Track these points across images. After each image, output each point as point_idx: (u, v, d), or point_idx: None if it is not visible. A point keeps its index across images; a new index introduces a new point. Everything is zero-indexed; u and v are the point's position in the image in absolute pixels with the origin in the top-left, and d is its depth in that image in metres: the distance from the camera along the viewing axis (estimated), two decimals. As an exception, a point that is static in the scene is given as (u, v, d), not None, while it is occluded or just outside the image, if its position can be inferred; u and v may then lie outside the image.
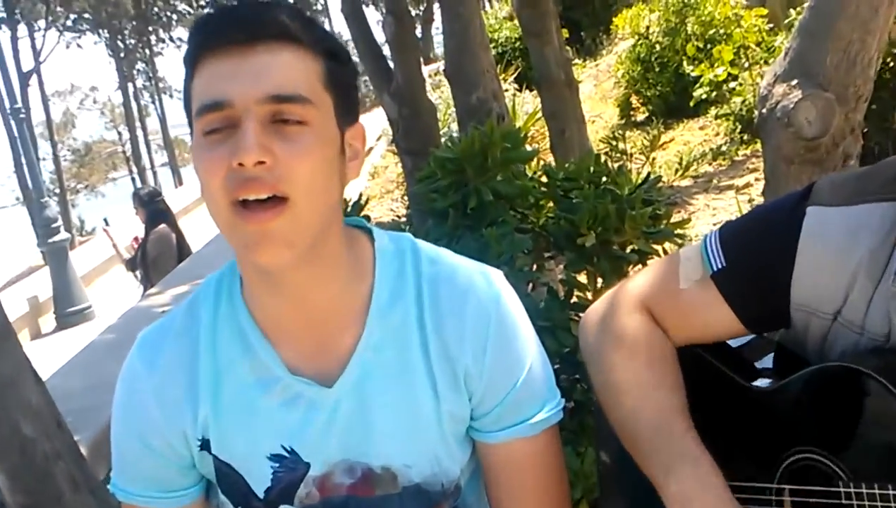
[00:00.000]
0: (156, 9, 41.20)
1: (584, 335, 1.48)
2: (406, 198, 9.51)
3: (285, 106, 1.17)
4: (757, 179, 7.91)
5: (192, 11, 41.15)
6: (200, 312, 1.36)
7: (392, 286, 1.35)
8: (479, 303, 1.35)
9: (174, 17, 42.40)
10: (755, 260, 1.31)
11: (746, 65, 9.53)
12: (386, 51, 7.70)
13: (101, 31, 39.68)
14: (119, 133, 50.35)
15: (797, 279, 1.27)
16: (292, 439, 1.33)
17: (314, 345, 1.33)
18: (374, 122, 16.32)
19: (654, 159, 9.07)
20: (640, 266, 2.93)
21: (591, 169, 3.03)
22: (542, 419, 1.40)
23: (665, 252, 2.92)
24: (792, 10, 8.45)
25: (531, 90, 13.14)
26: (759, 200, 7.18)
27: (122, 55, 40.74)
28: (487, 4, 23.90)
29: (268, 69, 1.17)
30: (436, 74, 17.10)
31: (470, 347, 1.34)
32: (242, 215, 1.17)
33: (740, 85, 9.47)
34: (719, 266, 1.35)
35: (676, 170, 8.91)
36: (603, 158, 3.19)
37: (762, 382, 1.38)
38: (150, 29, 41.88)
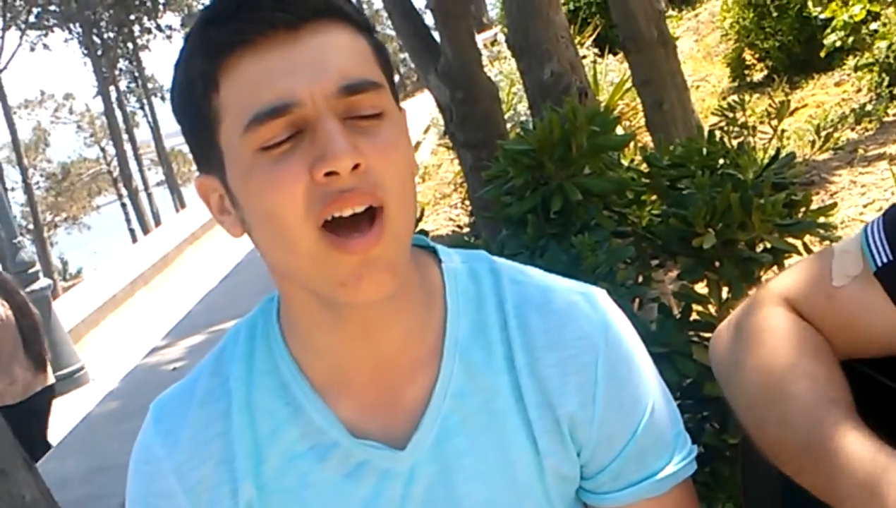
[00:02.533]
0: (137, -9, 41.82)
1: (715, 352, 1.46)
2: (468, 203, 9.52)
3: (358, 97, 1.17)
4: (916, 144, 7.82)
5: (182, -9, 41.77)
6: (230, 370, 1.36)
7: (470, 316, 1.36)
8: (581, 333, 1.35)
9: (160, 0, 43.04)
10: None
11: (890, -1, 9.43)
12: (429, 19, 7.74)
13: (71, 25, 40.45)
14: (102, 149, 51.29)
15: None
16: None
17: (380, 398, 1.33)
18: (420, 110, 16.42)
19: (783, 131, 8.97)
20: (775, 268, 2.91)
21: (704, 149, 3.01)
22: (672, 472, 1.38)
23: (806, 248, 2.90)
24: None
25: (615, 54, 13.13)
26: (921, 171, 7.09)
27: (99, 53, 41.44)
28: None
29: (330, 55, 1.17)
30: (493, 44, 17.19)
31: (575, 389, 1.34)
32: (338, 244, 1.16)
33: (884, 25, 9.34)
34: (885, 260, 1.33)
35: (812, 142, 8.82)
36: (717, 134, 3.18)
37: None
38: (132, 17, 42.60)
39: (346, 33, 1.20)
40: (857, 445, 1.22)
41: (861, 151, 8.23)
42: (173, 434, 1.35)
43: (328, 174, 1.13)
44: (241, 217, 1.24)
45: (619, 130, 3.18)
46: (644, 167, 3.09)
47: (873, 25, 9.51)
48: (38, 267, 11.98)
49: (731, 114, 8.88)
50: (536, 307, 1.36)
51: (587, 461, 1.37)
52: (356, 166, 1.14)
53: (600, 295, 1.41)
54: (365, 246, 1.16)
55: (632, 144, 6.58)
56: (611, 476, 1.38)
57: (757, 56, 12.03)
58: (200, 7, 42.34)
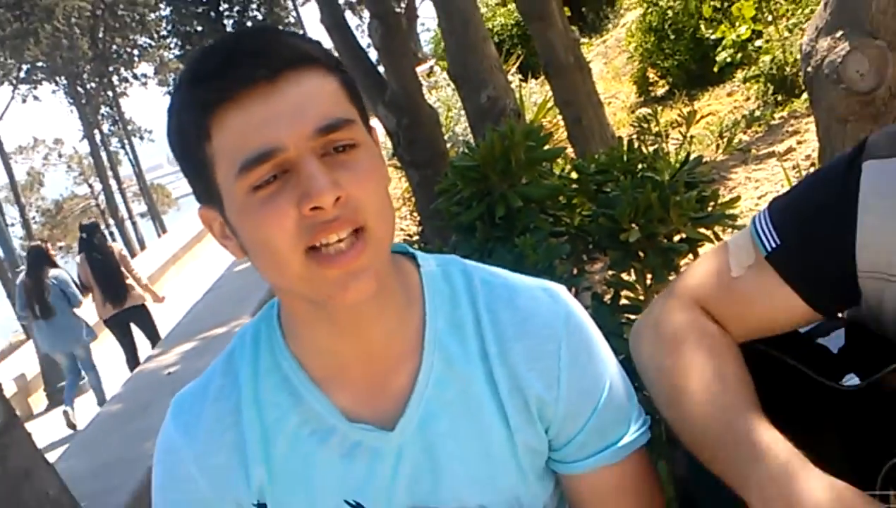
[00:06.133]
0: (114, 46, 41.45)
1: (635, 346, 1.48)
2: (416, 214, 9.52)
3: (334, 135, 1.17)
4: (799, 142, 7.88)
5: (153, 44, 41.43)
6: (239, 369, 1.38)
7: (446, 313, 1.37)
8: (545, 324, 1.36)
9: (135, 52, 42.73)
10: (811, 230, 1.30)
11: (771, 18, 9.51)
12: (374, 55, 7.74)
13: (57, 78, 39.97)
14: (90, 185, 50.69)
15: (862, 242, 1.25)
16: (356, 493, 1.34)
17: (370, 386, 1.34)
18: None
19: (691, 137, 9.05)
20: (690, 256, 2.94)
21: (625, 156, 3.04)
22: (630, 441, 1.40)
23: (717, 237, 2.93)
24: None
25: (536, 78, 13.17)
26: (804, 165, 7.17)
27: (83, 101, 40.99)
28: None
29: (306, 100, 1.17)
30: (429, 75, 17.15)
31: (540, 374, 1.35)
32: (322, 261, 1.17)
33: (767, 42, 9.44)
34: (773, 245, 1.33)
35: (716, 145, 8.89)
36: (635, 143, 3.20)
37: (850, 380, 1.32)
38: (111, 69, 42.15)
39: (318, 77, 1.20)
40: (770, 440, 1.23)
41: (753, 151, 8.30)
42: (191, 427, 1.36)
43: (314, 208, 1.14)
44: (241, 243, 1.25)
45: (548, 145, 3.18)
46: (574, 175, 3.11)
47: (758, 42, 9.60)
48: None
49: (644, 125, 8.95)
50: (505, 303, 1.38)
51: (554, 435, 1.39)
52: (338, 198, 1.15)
53: (560, 290, 1.43)
54: (347, 261, 1.17)
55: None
56: (576, 448, 1.39)
57: (659, 74, 12.08)
58: (171, 57, 42.32)
